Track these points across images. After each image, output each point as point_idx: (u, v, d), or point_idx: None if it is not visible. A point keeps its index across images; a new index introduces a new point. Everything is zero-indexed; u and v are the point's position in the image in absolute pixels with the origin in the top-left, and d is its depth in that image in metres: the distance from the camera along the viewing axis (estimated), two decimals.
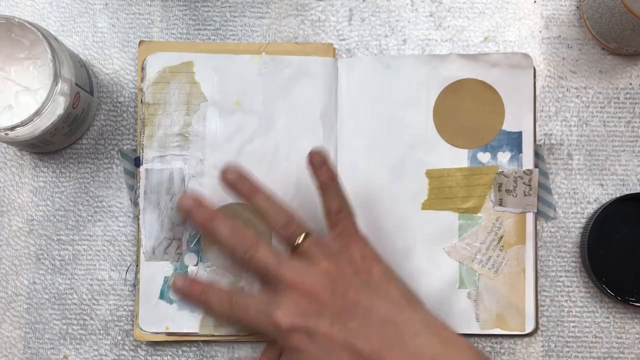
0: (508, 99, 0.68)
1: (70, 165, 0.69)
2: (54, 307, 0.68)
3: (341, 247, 0.60)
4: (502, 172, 0.67)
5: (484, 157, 0.68)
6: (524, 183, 0.67)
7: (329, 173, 0.62)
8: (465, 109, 0.68)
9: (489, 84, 0.68)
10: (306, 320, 0.58)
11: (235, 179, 0.62)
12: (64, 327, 0.68)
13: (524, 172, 0.67)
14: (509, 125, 0.68)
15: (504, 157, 0.68)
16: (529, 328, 0.67)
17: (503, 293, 0.67)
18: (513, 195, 0.67)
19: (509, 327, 0.67)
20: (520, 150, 0.67)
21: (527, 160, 0.67)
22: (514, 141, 0.68)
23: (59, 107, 0.61)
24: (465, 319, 0.67)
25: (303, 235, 0.60)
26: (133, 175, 0.69)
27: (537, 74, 0.69)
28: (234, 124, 0.68)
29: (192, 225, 0.66)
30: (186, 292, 0.62)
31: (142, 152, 0.67)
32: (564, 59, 0.69)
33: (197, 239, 0.67)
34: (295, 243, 0.60)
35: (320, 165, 0.61)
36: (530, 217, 0.67)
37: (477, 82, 0.68)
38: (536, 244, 0.68)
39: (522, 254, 0.67)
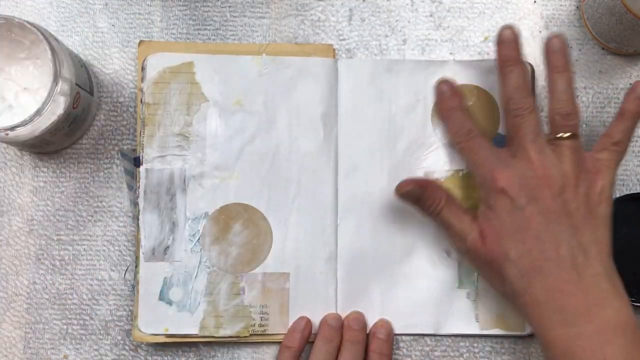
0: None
1: (70, 165, 0.69)
2: (54, 307, 0.68)
3: (592, 169, 0.60)
4: None
5: None
6: None
7: (565, 60, 0.62)
8: None
9: (486, 90, 0.68)
10: (521, 194, 0.58)
11: (558, 50, 0.62)
12: (64, 327, 0.68)
13: None
14: (505, 129, 0.68)
15: None
16: (529, 328, 0.67)
17: None
18: None
19: (509, 327, 0.67)
20: None
21: None
22: None
23: (59, 107, 0.61)
24: (465, 319, 0.67)
25: (571, 133, 0.60)
26: (133, 175, 0.69)
27: (537, 74, 0.69)
28: (234, 124, 0.68)
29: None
30: (442, 99, 0.65)
31: (142, 152, 0.67)
32: None
33: (197, 239, 0.67)
34: (560, 135, 0.60)
35: (557, 49, 0.62)
36: None
37: (474, 88, 0.68)
38: None
39: None
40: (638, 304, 0.66)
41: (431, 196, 0.62)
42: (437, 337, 0.68)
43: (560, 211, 0.58)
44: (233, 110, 0.68)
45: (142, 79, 0.68)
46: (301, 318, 0.66)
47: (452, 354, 0.68)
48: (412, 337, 0.68)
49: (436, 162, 0.68)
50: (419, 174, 0.68)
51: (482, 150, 0.61)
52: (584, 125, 0.69)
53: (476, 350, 0.68)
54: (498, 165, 0.60)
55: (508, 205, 0.59)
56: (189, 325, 0.67)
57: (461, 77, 0.68)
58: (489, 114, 0.68)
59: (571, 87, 0.61)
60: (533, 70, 0.68)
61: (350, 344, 0.65)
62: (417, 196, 0.63)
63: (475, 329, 0.67)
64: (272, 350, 0.68)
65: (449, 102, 0.65)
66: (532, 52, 0.69)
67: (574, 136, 0.60)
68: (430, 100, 0.68)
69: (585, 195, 0.59)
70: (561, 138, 0.60)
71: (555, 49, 0.62)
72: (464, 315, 0.67)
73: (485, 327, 0.67)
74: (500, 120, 0.68)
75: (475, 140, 0.62)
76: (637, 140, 0.69)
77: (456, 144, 0.63)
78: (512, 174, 0.59)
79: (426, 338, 0.68)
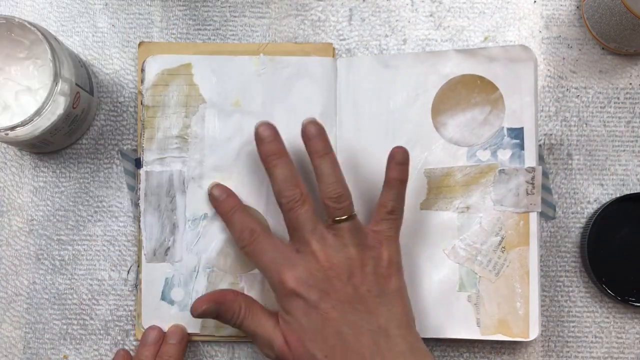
0: (508, 94, 0.67)
1: (70, 165, 0.69)
2: (54, 307, 0.68)
3: (375, 244, 0.61)
4: (503, 170, 0.66)
5: (484, 155, 0.67)
6: (526, 181, 0.66)
7: (403, 174, 0.62)
8: (464, 106, 0.67)
9: (489, 80, 0.67)
10: (311, 292, 0.59)
11: (315, 135, 0.62)
12: (64, 327, 0.68)
13: (526, 169, 0.66)
14: (509, 122, 0.67)
15: (504, 154, 0.67)
16: (533, 335, 0.65)
17: (505, 297, 0.65)
18: (515, 194, 0.66)
19: (511, 334, 0.65)
20: (522, 147, 0.66)
21: (530, 157, 0.66)
22: (515, 138, 0.66)
23: (59, 107, 0.61)
24: (466, 323, 0.65)
25: (347, 216, 0.61)
26: (133, 175, 0.69)
27: (537, 73, 0.69)
28: (233, 125, 0.68)
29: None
30: (216, 202, 0.66)
31: (142, 154, 0.67)
32: (564, 59, 0.69)
33: (197, 240, 0.67)
34: (336, 219, 0.60)
35: (401, 162, 0.62)
36: (533, 217, 0.66)
37: (476, 78, 0.67)
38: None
39: (525, 255, 0.66)
40: (638, 304, 0.66)
41: (229, 309, 0.62)
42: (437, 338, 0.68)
43: (352, 299, 0.59)
44: (231, 111, 0.68)
45: (142, 81, 0.68)
46: (152, 328, 0.67)
47: (452, 354, 0.68)
48: None
49: (435, 158, 0.67)
50: (419, 171, 0.67)
51: (268, 252, 0.61)
52: (584, 125, 0.69)
53: (476, 350, 0.68)
54: (284, 265, 0.60)
55: (302, 306, 0.59)
56: (190, 325, 0.67)
57: (463, 67, 0.67)
58: (492, 105, 0.67)
59: (335, 168, 0.62)
60: (535, 68, 0.67)
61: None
62: (214, 313, 0.62)
63: (476, 334, 0.66)
64: None
65: (225, 204, 0.65)
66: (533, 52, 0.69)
67: (350, 217, 0.61)
68: (430, 94, 0.67)
69: (373, 274, 0.60)
70: (339, 221, 0.60)
71: (312, 135, 0.62)
72: (465, 320, 0.66)
73: (486, 332, 0.65)
74: (506, 114, 0.67)
75: (259, 241, 0.62)
76: (637, 140, 0.69)
77: (241, 247, 0.63)
78: (298, 273, 0.59)
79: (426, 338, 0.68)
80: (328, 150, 0.62)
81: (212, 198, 0.66)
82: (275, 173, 0.62)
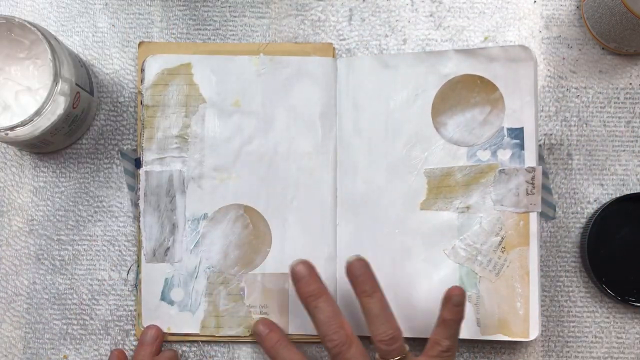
0: (508, 94, 0.66)
1: (70, 165, 0.69)
2: (54, 307, 0.68)
3: None
4: (503, 170, 0.66)
5: (484, 155, 0.67)
6: (526, 181, 0.66)
7: (459, 314, 0.61)
8: (464, 106, 0.67)
9: (489, 80, 0.67)
10: None
11: (361, 274, 0.61)
12: (64, 327, 0.68)
13: (526, 169, 0.66)
14: (509, 122, 0.66)
15: (504, 154, 0.66)
16: (533, 335, 0.65)
17: (505, 297, 0.65)
18: (515, 194, 0.66)
19: (511, 334, 0.65)
20: (522, 147, 0.66)
21: (530, 157, 0.66)
22: (516, 138, 0.66)
23: (59, 107, 0.61)
24: (466, 323, 0.64)
25: (399, 357, 0.60)
26: (133, 175, 0.69)
27: (537, 73, 0.68)
28: (232, 125, 0.68)
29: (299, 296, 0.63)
30: (260, 337, 0.65)
31: (142, 154, 0.67)
32: (564, 59, 0.69)
33: (197, 240, 0.67)
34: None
35: (457, 304, 0.61)
36: (534, 217, 0.66)
37: (476, 78, 0.67)
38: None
39: (525, 256, 0.66)
40: (638, 304, 0.66)
41: None
42: None
43: None
44: (231, 111, 0.68)
45: (142, 81, 0.68)
46: (149, 327, 0.67)
47: None
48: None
49: (435, 158, 0.67)
50: (419, 171, 0.67)
51: None
52: (584, 125, 0.69)
53: (476, 350, 0.68)
54: None
55: None
56: (190, 325, 0.67)
57: (463, 67, 0.67)
58: (492, 104, 0.67)
59: (385, 307, 0.61)
60: (535, 68, 0.67)
61: None
62: None
63: (476, 334, 0.66)
64: None
65: (269, 339, 0.64)
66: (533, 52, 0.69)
67: (403, 357, 0.60)
68: (430, 94, 0.67)
69: None
70: None
71: (358, 274, 0.61)
72: (465, 320, 0.64)
73: (486, 332, 0.66)
74: (506, 114, 0.67)
75: None
76: (637, 140, 0.69)
77: None
78: None
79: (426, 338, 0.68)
80: (376, 288, 0.61)
81: (256, 333, 0.65)
82: (317, 315, 0.61)
